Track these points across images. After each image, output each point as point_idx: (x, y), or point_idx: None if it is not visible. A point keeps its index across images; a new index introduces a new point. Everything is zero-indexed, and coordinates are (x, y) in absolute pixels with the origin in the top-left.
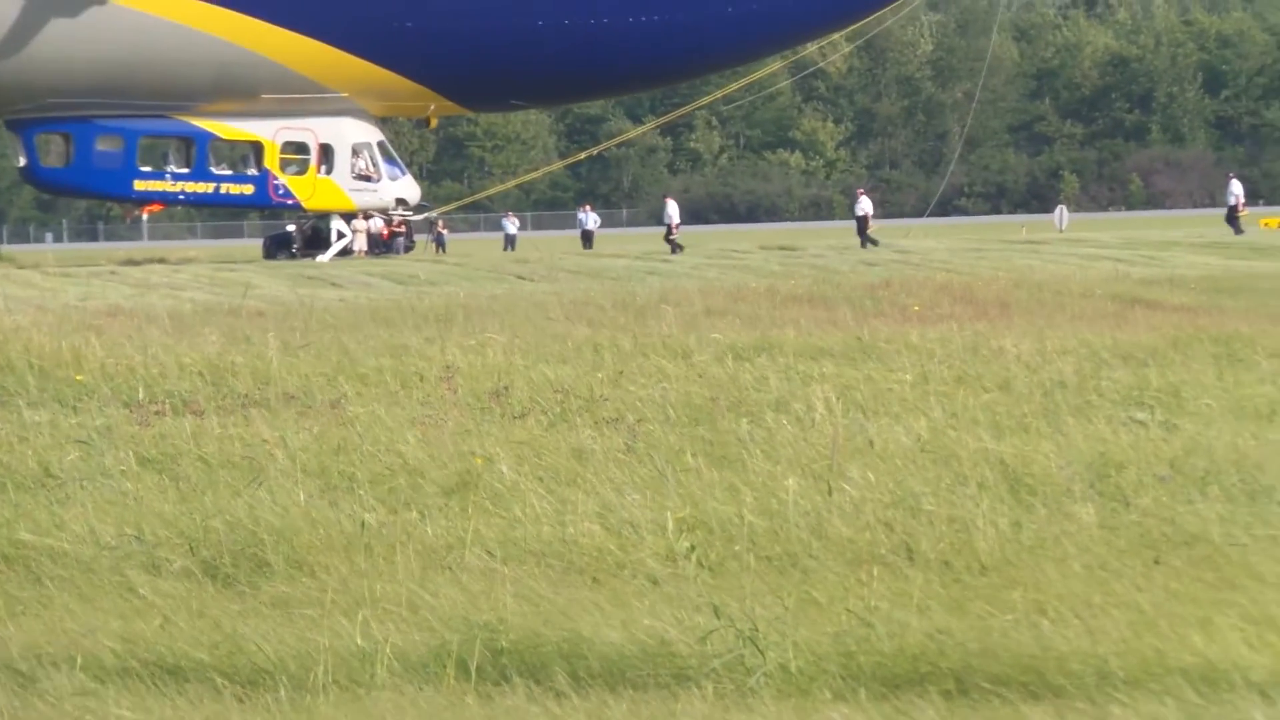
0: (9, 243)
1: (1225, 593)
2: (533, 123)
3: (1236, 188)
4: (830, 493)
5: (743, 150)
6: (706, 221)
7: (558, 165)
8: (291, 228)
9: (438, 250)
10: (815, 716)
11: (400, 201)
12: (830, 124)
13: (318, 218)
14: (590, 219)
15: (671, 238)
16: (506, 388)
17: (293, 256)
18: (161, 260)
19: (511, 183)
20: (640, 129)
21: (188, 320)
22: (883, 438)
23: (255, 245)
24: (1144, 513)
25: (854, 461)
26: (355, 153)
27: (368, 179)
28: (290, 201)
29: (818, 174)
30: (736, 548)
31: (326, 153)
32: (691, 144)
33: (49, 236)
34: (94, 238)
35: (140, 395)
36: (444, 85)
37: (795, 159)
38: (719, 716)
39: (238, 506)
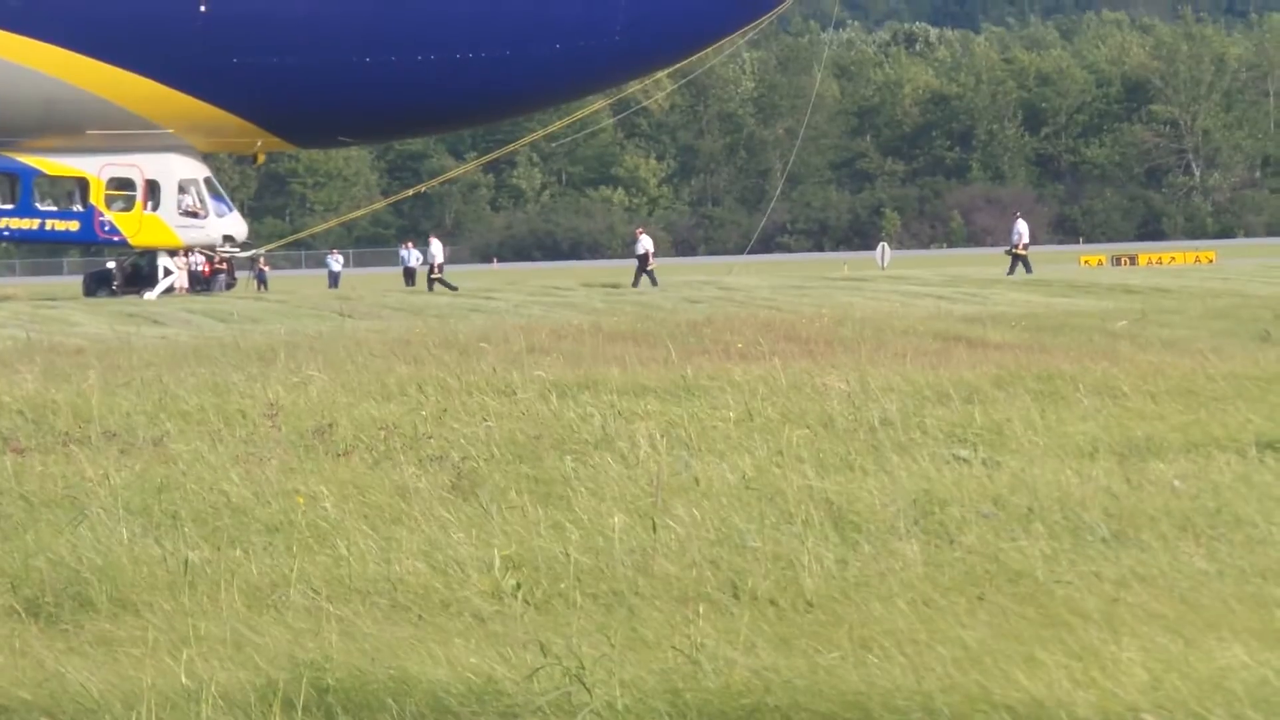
0: None
1: (1049, 629)
2: (354, 159)
3: (1022, 227)
4: (656, 530)
5: (565, 187)
6: (529, 258)
7: (381, 204)
8: (111, 264)
9: (259, 287)
10: None
11: (228, 238)
12: (653, 161)
13: (140, 254)
14: (413, 256)
15: (436, 276)
16: (330, 425)
17: (113, 293)
18: None
19: (334, 221)
20: (463, 167)
21: (7, 357)
22: (707, 475)
23: (76, 282)
24: (968, 550)
25: (679, 499)
26: (182, 189)
27: (195, 215)
28: (117, 238)
29: (640, 211)
30: (562, 585)
31: (153, 189)
32: (514, 181)
33: None
34: None
35: None
36: (271, 122)
37: (618, 196)
38: None
39: (60, 545)
